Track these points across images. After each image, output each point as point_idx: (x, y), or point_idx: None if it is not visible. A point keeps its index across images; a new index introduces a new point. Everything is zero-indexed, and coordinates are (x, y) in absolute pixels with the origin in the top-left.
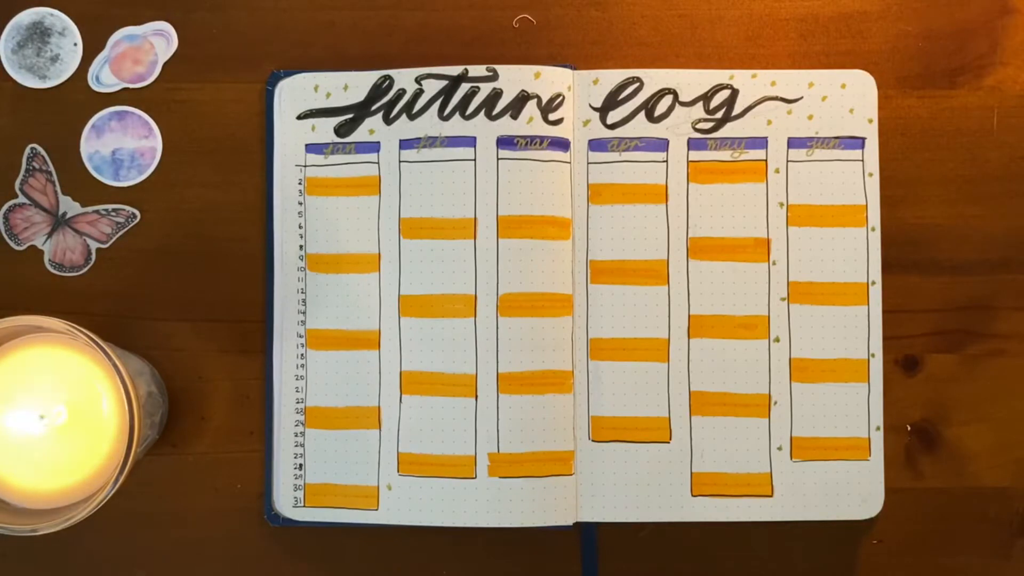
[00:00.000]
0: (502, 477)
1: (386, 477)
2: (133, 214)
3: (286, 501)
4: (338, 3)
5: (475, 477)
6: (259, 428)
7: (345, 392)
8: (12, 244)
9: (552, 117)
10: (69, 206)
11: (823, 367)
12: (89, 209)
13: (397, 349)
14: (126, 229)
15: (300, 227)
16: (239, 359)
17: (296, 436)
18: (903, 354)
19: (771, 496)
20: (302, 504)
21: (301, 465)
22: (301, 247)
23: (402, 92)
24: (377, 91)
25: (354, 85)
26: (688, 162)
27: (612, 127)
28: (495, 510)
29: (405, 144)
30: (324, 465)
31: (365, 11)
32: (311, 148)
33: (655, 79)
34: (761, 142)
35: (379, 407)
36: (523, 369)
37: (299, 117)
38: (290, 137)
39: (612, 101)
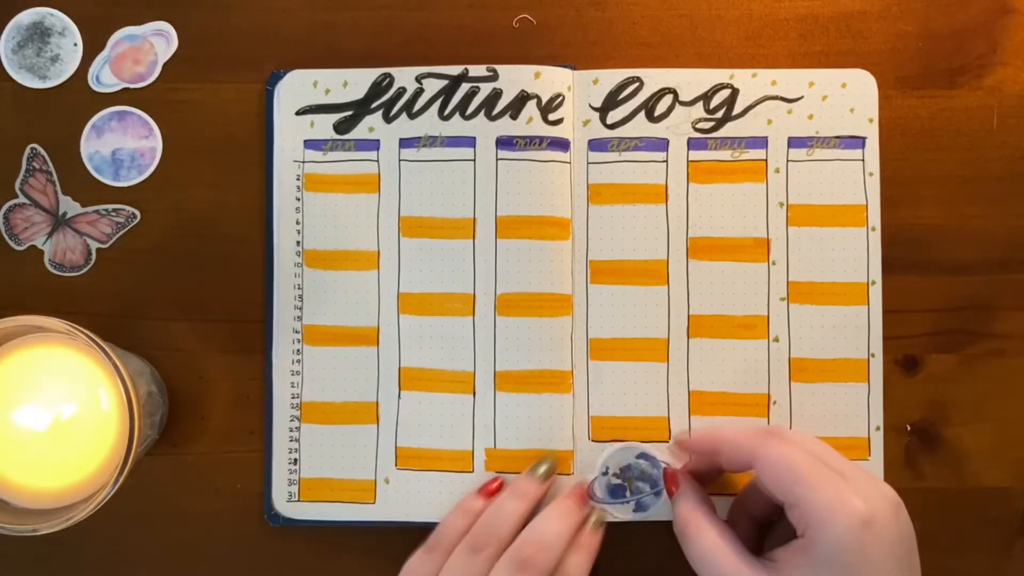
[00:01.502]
0: (499, 472)
1: (384, 471)
2: (133, 214)
3: (280, 496)
4: (338, 3)
5: (472, 471)
6: (259, 428)
7: (343, 388)
8: (12, 244)
9: (552, 117)
10: (69, 206)
11: (823, 367)
12: (89, 209)
13: (396, 346)
14: (126, 229)
15: (297, 223)
16: (239, 359)
17: (291, 431)
18: (903, 354)
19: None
20: (296, 498)
21: (296, 460)
22: (298, 243)
23: (402, 91)
24: (377, 89)
25: (354, 82)
26: (688, 162)
27: (612, 127)
28: None
29: (405, 143)
30: (320, 460)
31: (365, 11)
32: (310, 144)
33: (655, 79)
34: (761, 142)
35: (377, 403)
36: (520, 368)
37: (298, 113)
38: (289, 133)
39: (612, 101)
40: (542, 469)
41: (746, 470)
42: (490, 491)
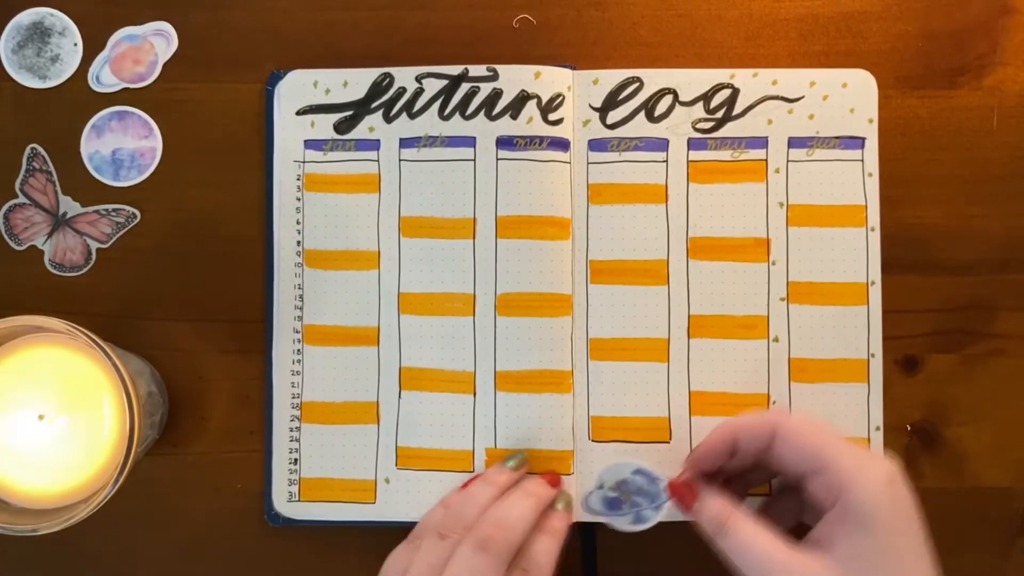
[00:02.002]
0: None
1: (384, 471)
2: (133, 214)
3: (280, 496)
4: (338, 3)
5: (472, 471)
6: (259, 428)
7: (343, 388)
8: (12, 244)
9: (552, 117)
10: (69, 206)
11: (822, 367)
12: (89, 209)
13: (396, 346)
14: (126, 229)
15: (298, 223)
16: (239, 359)
17: (291, 431)
18: (903, 354)
19: (770, 496)
20: (297, 498)
21: (296, 460)
22: (299, 243)
23: (402, 90)
24: (377, 89)
25: (354, 82)
26: (688, 162)
27: (612, 127)
28: None
29: (405, 143)
30: (320, 460)
31: (365, 11)
32: (310, 144)
33: (655, 79)
34: (761, 142)
35: (378, 402)
36: (520, 368)
37: (298, 113)
38: (289, 133)
39: (612, 101)
40: (512, 462)
41: (763, 451)
42: None
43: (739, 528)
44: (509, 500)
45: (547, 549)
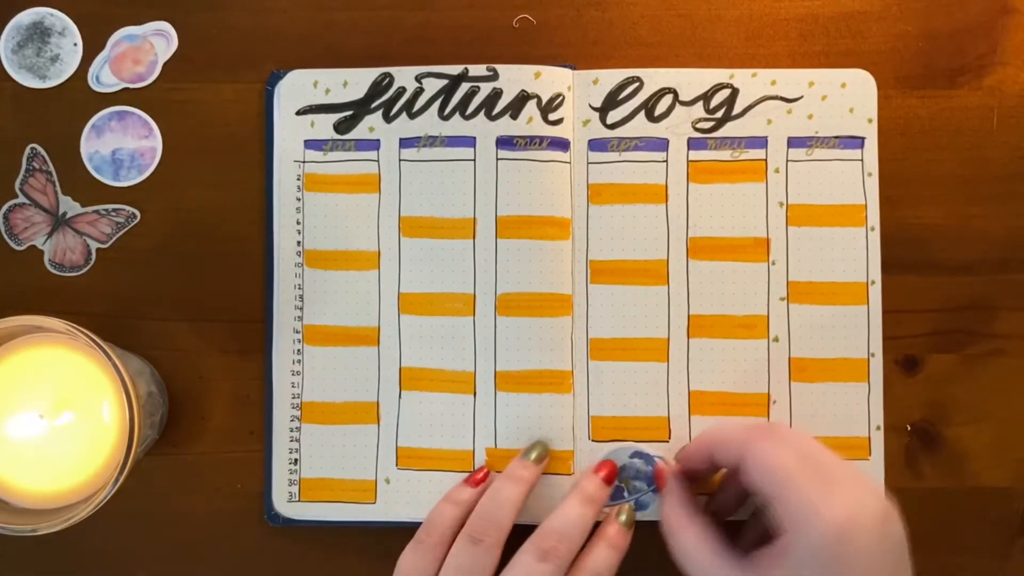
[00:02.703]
0: (500, 472)
1: (384, 471)
2: (133, 214)
3: (280, 496)
4: (338, 3)
5: (473, 471)
6: (259, 428)
7: (343, 388)
8: (12, 244)
9: (552, 117)
10: (69, 206)
11: (822, 367)
12: (89, 209)
13: (396, 346)
14: (126, 229)
15: (298, 223)
16: (239, 359)
17: (291, 432)
18: (903, 354)
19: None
20: (297, 499)
21: (296, 460)
22: (299, 243)
23: (402, 90)
24: (377, 88)
25: (354, 82)
26: (688, 162)
27: (612, 127)
28: None
29: (405, 143)
30: (320, 460)
31: (365, 11)
32: (310, 144)
33: (655, 79)
34: (761, 141)
35: (378, 403)
36: (521, 368)
37: (298, 113)
38: (289, 133)
39: (612, 101)
40: (534, 454)
41: (738, 465)
42: (477, 480)
43: (681, 533)
44: (570, 505)
45: (608, 559)
